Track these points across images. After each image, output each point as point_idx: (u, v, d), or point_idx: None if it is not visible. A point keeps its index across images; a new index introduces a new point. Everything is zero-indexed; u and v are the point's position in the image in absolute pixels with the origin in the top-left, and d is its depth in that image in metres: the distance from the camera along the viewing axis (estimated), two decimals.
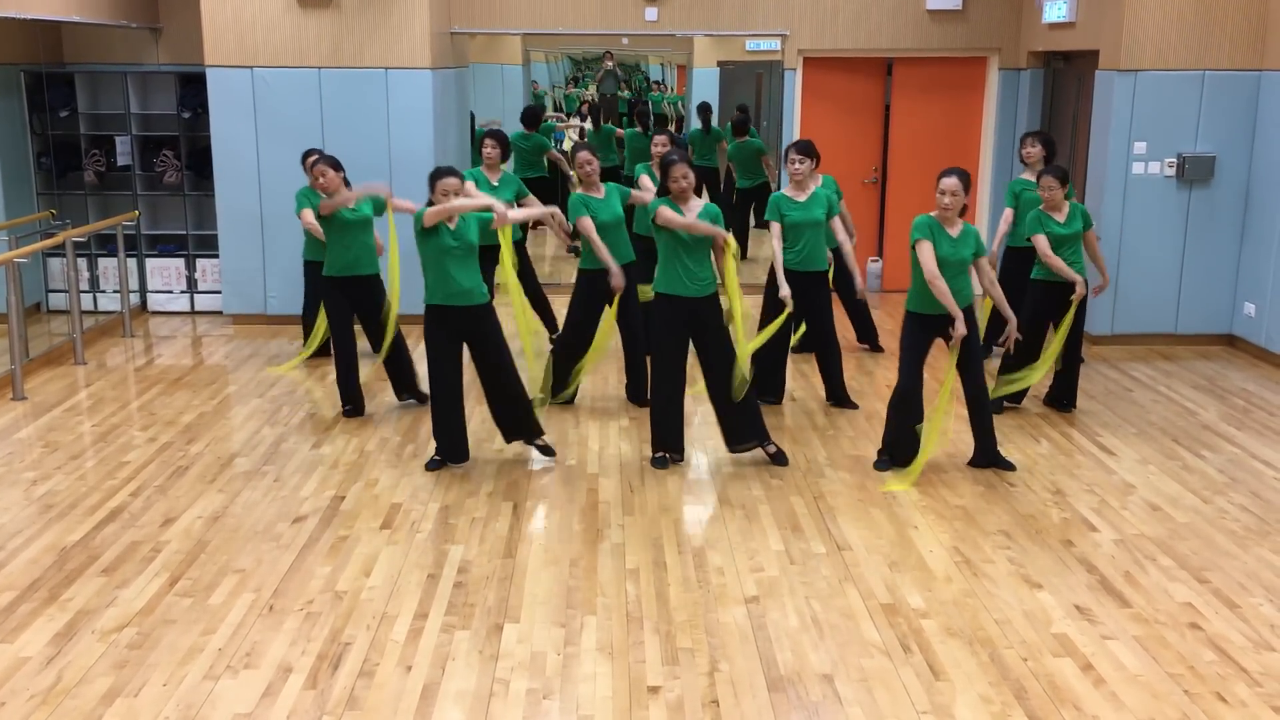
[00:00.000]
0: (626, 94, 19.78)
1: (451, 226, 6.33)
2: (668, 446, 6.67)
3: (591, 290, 7.45)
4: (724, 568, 5.35)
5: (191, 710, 4.17)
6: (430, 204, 6.36)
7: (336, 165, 7.36)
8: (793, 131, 11.05)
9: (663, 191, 6.47)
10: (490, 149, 8.44)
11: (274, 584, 5.17)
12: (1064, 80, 10.57)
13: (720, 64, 18.66)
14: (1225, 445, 7.09)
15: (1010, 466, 6.60)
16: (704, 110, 13.73)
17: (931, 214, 6.36)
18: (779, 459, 6.70)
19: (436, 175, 6.40)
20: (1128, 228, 9.26)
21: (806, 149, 7.42)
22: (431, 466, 6.60)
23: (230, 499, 6.18)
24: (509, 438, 6.77)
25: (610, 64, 19.82)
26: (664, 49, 21.21)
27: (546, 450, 6.79)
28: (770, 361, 7.61)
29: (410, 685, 4.35)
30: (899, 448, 6.53)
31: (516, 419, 6.68)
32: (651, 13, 10.87)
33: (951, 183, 6.26)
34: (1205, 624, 4.84)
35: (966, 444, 6.99)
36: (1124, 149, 9.15)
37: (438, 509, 6.04)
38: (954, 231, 6.35)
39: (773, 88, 13.51)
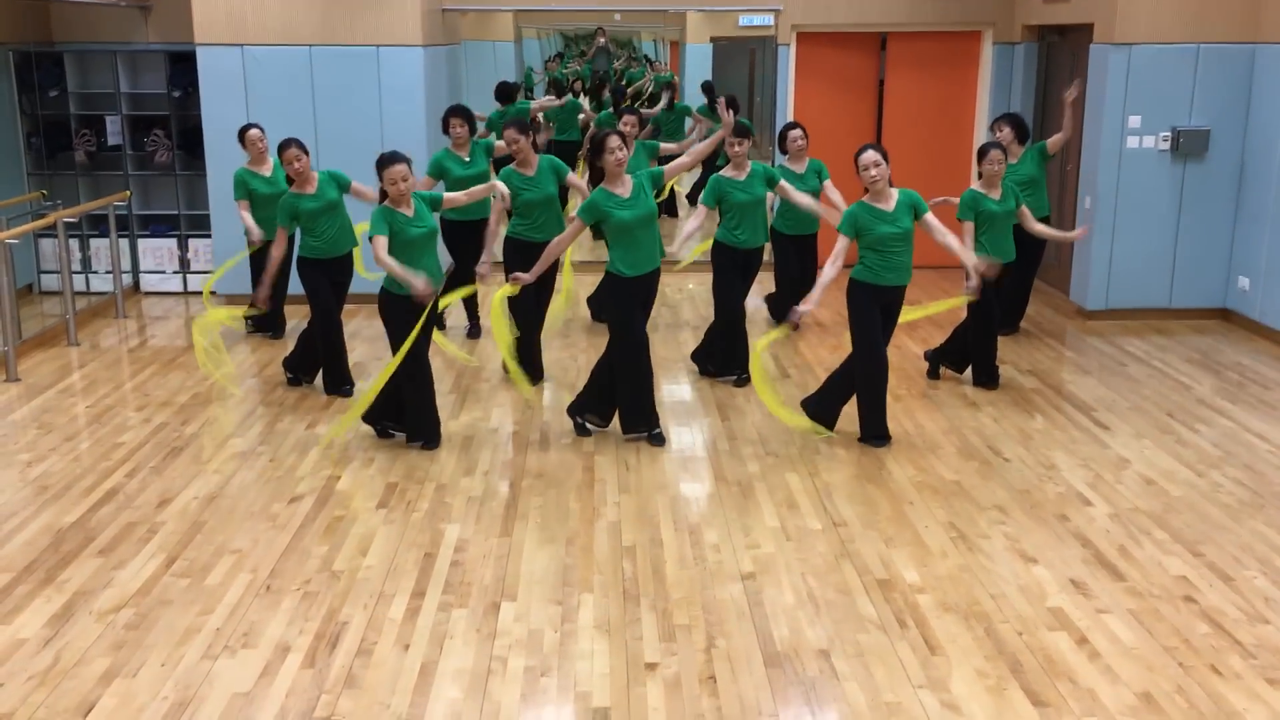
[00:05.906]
0: (636, 70, 19.70)
1: (410, 214, 6.30)
2: (651, 423, 6.67)
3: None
4: (720, 544, 5.36)
5: (189, 690, 4.18)
6: (383, 194, 6.28)
7: (304, 148, 7.41)
8: (786, 108, 11.02)
9: (596, 175, 6.34)
10: (459, 127, 8.35)
11: (271, 564, 5.17)
12: (1058, 54, 10.53)
13: (713, 40, 18.59)
14: (1219, 419, 7.10)
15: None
16: (707, 88, 13.80)
17: (862, 198, 6.39)
18: (656, 440, 6.67)
19: (382, 163, 6.24)
20: (1122, 202, 9.25)
21: (745, 130, 7.52)
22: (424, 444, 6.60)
23: (226, 479, 6.18)
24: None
25: (603, 40, 19.70)
26: (657, 25, 21.10)
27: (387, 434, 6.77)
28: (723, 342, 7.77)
29: (408, 664, 4.36)
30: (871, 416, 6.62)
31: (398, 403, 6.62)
32: None
33: (870, 156, 6.26)
34: (1200, 597, 4.86)
35: (952, 423, 7.00)
36: (1118, 123, 9.13)
37: (434, 488, 6.04)
38: (888, 206, 6.35)
39: (766, 64, 13.46)
